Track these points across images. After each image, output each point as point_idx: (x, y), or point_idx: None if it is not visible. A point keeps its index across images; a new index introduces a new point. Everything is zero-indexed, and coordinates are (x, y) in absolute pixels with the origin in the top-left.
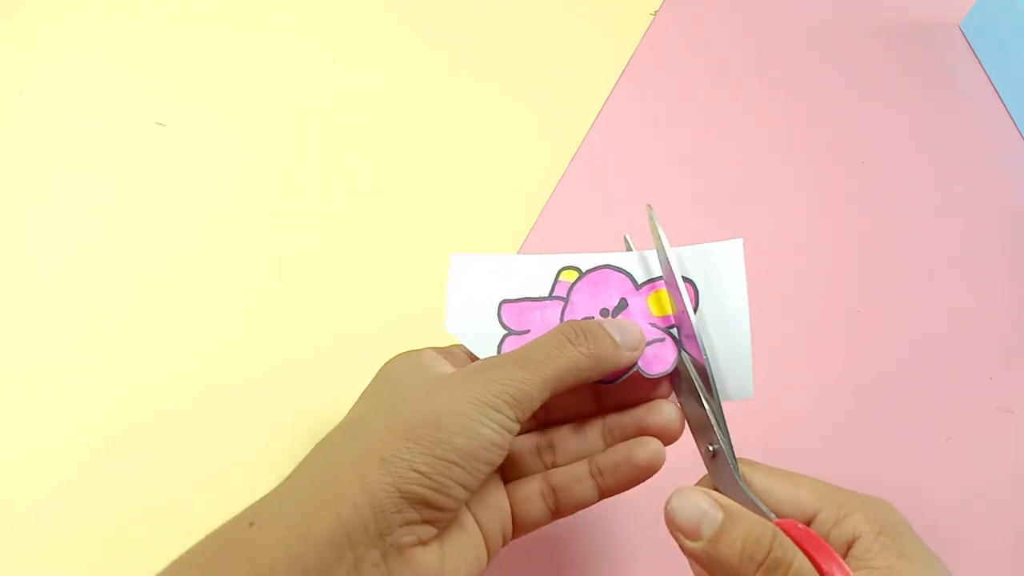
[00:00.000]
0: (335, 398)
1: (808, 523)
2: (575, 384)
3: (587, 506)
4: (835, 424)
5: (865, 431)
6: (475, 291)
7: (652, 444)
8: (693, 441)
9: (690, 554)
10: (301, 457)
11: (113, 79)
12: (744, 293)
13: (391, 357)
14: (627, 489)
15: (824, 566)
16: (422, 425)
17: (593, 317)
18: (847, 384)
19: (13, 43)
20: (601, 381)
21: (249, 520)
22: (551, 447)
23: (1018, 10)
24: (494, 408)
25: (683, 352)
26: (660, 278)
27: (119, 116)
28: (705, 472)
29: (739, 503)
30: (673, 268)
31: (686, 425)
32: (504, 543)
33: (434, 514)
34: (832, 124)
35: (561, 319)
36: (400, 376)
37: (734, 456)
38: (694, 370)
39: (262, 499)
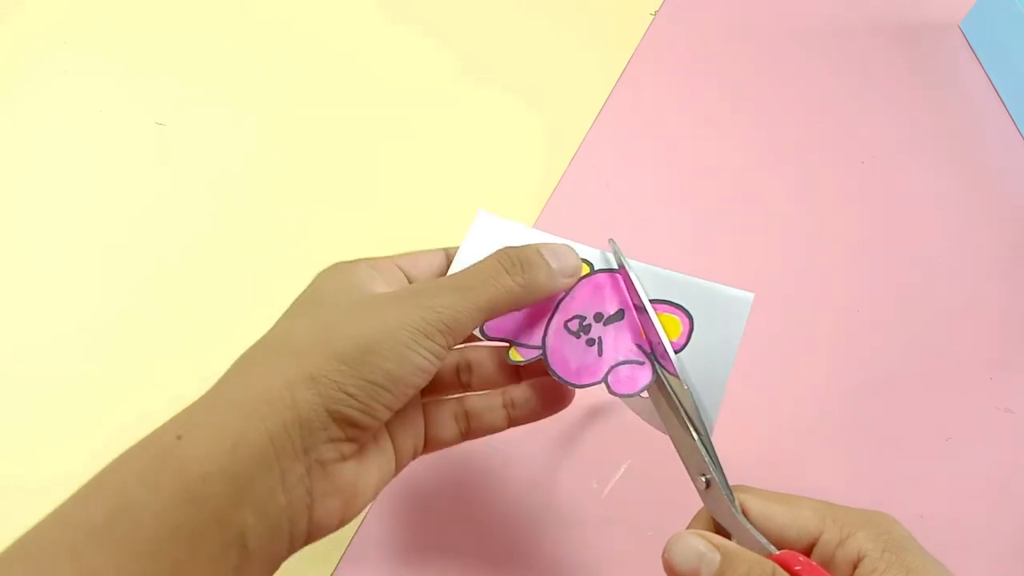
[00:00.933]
0: None
1: (812, 545)
2: (508, 311)
3: (496, 432)
4: (835, 424)
5: (865, 431)
6: (488, 249)
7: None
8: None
9: None
10: None
11: (113, 79)
12: (736, 346)
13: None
14: (535, 420)
15: None
16: (354, 348)
17: (586, 318)
18: (847, 384)
19: (13, 43)
20: (559, 376)
21: (177, 432)
22: (469, 367)
23: (1018, 10)
24: (427, 335)
25: (666, 380)
26: (665, 301)
27: (119, 116)
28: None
29: (737, 534)
30: (678, 299)
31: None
32: (414, 457)
33: (357, 432)
34: (832, 124)
35: (556, 308)
36: (333, 292)
37: (728, 486)
38: (676, 398)
39: (188, 409)
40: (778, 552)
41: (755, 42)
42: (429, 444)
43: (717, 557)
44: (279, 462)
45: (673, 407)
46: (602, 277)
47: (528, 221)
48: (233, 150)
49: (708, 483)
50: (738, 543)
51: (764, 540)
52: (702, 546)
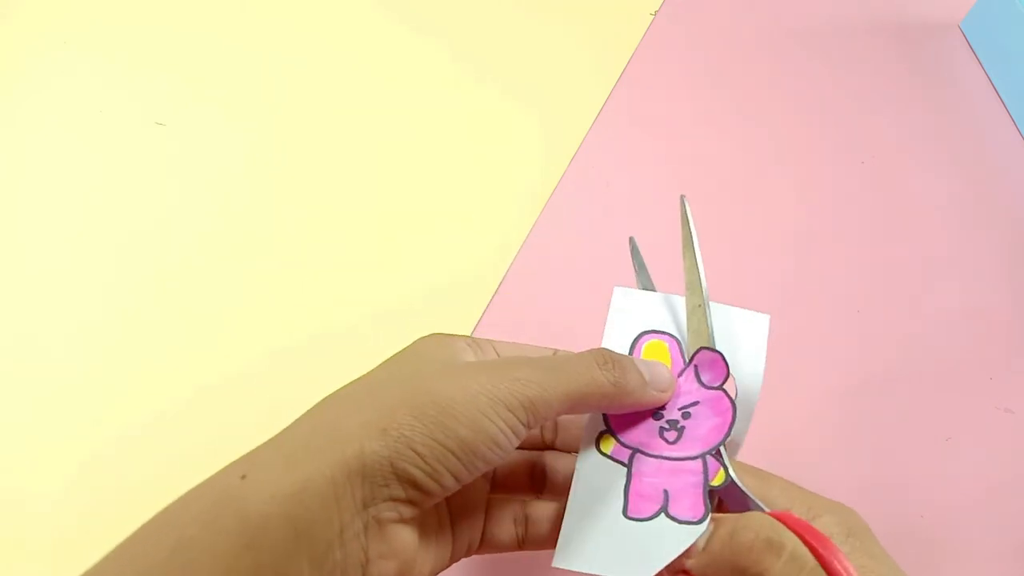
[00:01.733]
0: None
1: None
2: (595, 408)
3: (552, 547)
4: (835, 424)
5: (865, 431)
6: (633, 327)
7: None
8: None
9: (692, 571)
10: None
11: (113, 79)
12: (761, 372)
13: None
14: None
15: (825, 555)
16: (431, 405)
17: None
18: (847, 384)
19: (13, 43)
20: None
21: (242, 472)
22: (544, 472)
23: (1018, 10)
24: (507, 407)
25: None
26: (709, 349)
27: (119, 116)
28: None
29: (733, 498)
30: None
31: None
32: (467, 553)
33: (419, 496)
34: (832, 124)
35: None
36: (425, 353)
37: (724, 454)
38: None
39: (256, 449)
40: (771, 511)
41: (755, 42)
42: (484, 542)
43: (711, 525)
44: (339, 514)
45: None
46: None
47: (528, 221)
48: (233, 150)
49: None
50: (730, 505)
51: (760, 502)
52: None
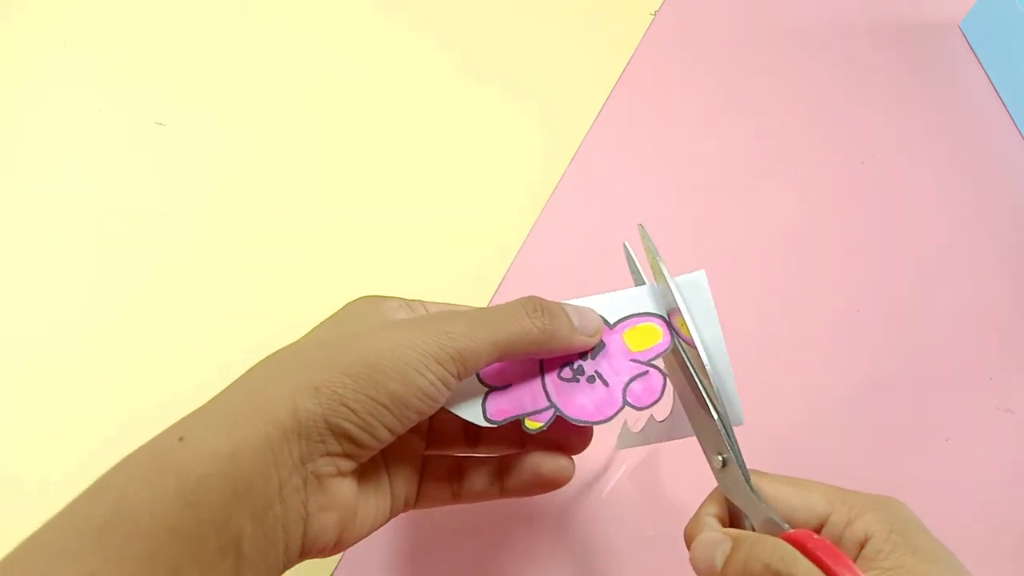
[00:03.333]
0: None
1: (820, 527)
2: (525, 354)
3: (486, 499)
4: (835, 424)
5: (865, 431)
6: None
7: (562, 459)
8: (704, 454)
9: None
10: None
11: (113, 79)
12: (716, 323)
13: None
14: (526, 495)
15: (836, 569)
16: (361, 363)
17: (573, 361)
18: (847, 384)
19: (13, 43)
20: (582, 420)
21: (179, 434)
22: (478, 428)
23: (1018, 10)
24: (436, 360)
25: (682, 349)
26: (633, 315)
27: (119, 116)
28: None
29: (751, 513)
30: (676, 298)
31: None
32: (404, 508)
33: (355, 450)
34: (832, 124)
35: (542, 369)
36: (355, 314)
37: (744, 465)
38: (698, 379)
39: (193, 413)
40: (791, 530)
41: (755, 42)
42: (421, 497)
43: (729, 545)
44: (277, 470)
45: (692, 385)
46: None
47: (528, 221)
48: (233, 150)
49: (724, 462)
50: (752, 522)
51: (778, 518)
52: (717, 536)
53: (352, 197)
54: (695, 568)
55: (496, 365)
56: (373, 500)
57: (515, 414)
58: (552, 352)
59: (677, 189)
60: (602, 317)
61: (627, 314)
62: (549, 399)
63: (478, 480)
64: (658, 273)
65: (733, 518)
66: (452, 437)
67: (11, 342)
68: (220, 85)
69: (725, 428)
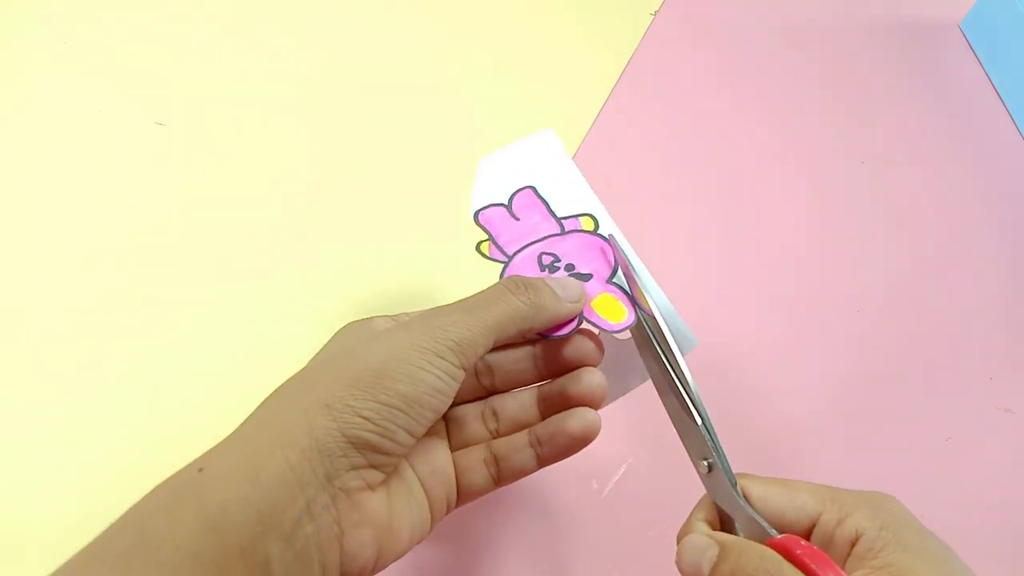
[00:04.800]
0: None
1: (811, 526)
2: (518, 333)
3: (527, 474)
4: (835, 424)
5: (865, 431)
6: (528, 161)
7: (586, 414)
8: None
9: None
10: None
11: (113, 79)
12: (586, 187)
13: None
14: (564, 458)
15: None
16: (366, 372)
17: (560, 261)
18: (847, 384)
19: (13, 43)
20: (548, 335)
21: (199, 466)
22: (495, 414)
23: (1018, 10)
24: (437, 354)
25: (644, 321)
26: (579, 215)
27: (119, 116)
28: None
29: (739, 518)
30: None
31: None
32: (448, 510)
33: (380, 458)
34: (832, 124)
35: (543, 239)
36: (347, 335)
37: (730, 470)
38: (652, 333)
39: (212, 448)
40: (779, 536)
41: (755, 42)
42: (462, 494)
43: (715, 551)
44: (303, 491)
45: (672, 388)
46: (597, 240)
47: None
48: (233, 150)
49: (710, 467)
50: (740, 527)
51: (765, 523)
52: (703, 542)
53: (352, 197)
54: (681, 570)
55: (529, 198)
56: (408, 510)
57: (490, 231)
58: (544, 324)
59: (677, 189)
60: (614, 266)
61: (572, 213)
62: (514, 254)
63: (515, 459)
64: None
65: (724, 523)
66: (474, 432)
67: (7, 343)
68: (221, 84)
69: (709, 433)
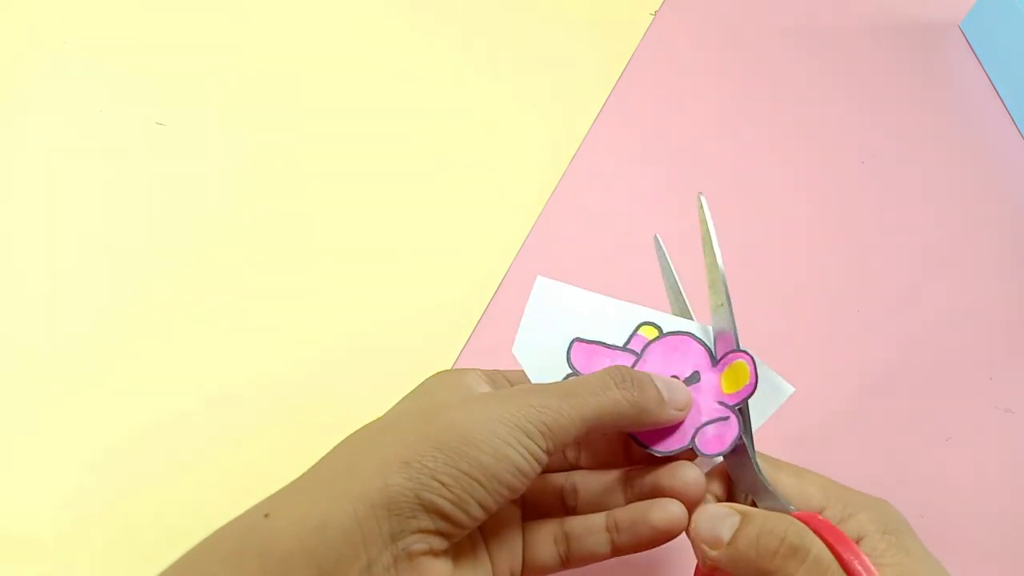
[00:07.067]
0: (333, 400)
1: None
2: (614, 429)
3: (599, 560)
4: (835, 424)
5: (865, 431)
6: (551, 321)
7: (673, 506)
8: None
9: (714, 563)
10: (310, 458)
11: (113, 79)
12: (761, 422)
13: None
14: (642, 550)
15: (845, 556)
16: (451, 436)
17: None
18: (847, 384)
19: (13, 43)
20: (645, 445)
21: (265, 511)
22: (575, 491)
23: (1018, 10)
24: (526, 433)
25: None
26: (737, 350)
27: (119, 116)
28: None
29: (757, 496)
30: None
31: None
32: None
33: (448, 527)
34: (832, 124)
35: None
36: (438, 388)
37: (754, 448)
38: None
39: (280, 491)
40: (797, 511)
41: (755, 42)
42: (527, 568)
43: (737, 519)
44: (365, 548)
45: None
46: (669, 340)
47: (528, 222)
48: (234, 150)
49: (734, 447)
50: (757, 502)
51: (784, 500)
52: (723, 511)
53: (352, 197)
54: (695, 539)
55: (586, 349)
56: None
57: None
58: (642, 425)
59: (677, 189)
60: (709, 349)
61: (732, 349)
62: None
63: (589, 541)
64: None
65: (732, 499)
66: (550, 506)
67: (6, 343)
68: (220, 85)
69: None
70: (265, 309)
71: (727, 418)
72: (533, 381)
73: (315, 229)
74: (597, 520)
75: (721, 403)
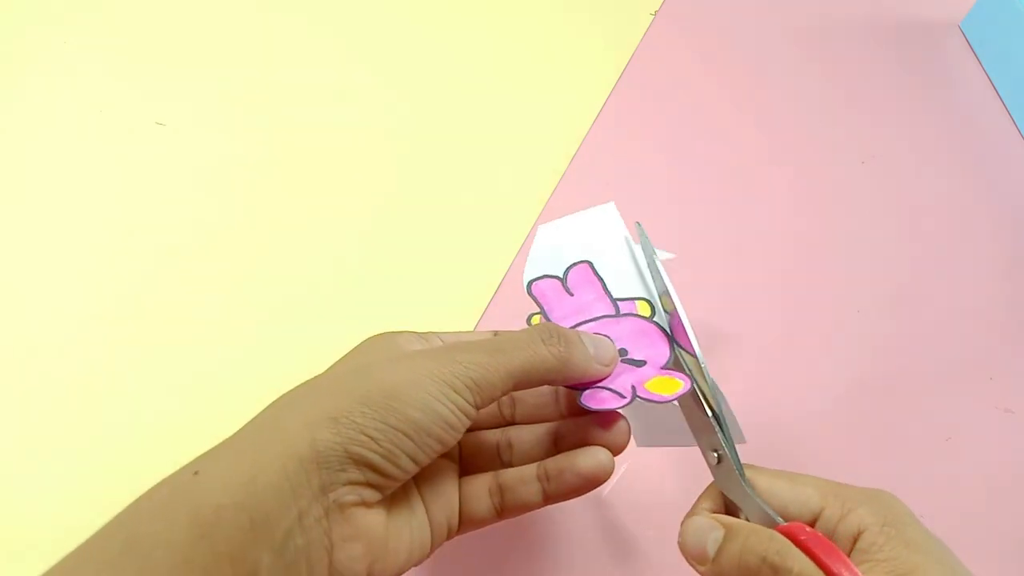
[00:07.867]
0: None
1: (814, 521)
2: (540, 382)
3: (531, 509)
4: (835, 424)
5: (865, 431)
6: (559, 257)
7: (599, 454)
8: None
9: None
10: None
11: (113, 79)
12: (647, 271)
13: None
14: (571, 497)
15: (833, 569)
16: (380, 392)
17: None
18: (847, 384)
19: (12, 43)
20: (575, 387)
21: (194, 469)
22: (510, 446)
23: (1018, 10)
24: (454, 388)
25: (682, 358)
26: (685, 375)
27: (119, 116)
28: (711, 480)
29: (746, 508)
30: (674, 300)
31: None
32: (448, 535)
33: (379, 479)
34: (832, 124)
35: (591, 323)
36: (371, 349)
37: (739, 460)
38: (698, 391)
39: (209, 450)
40: (784, 523)
41: (755, 42)
42: (464, 521)
43: (721, 533)
44: (296, 501)
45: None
46: (651, 328)
47: (528, 221)
48: (233, 150)
49: (720, 458)
50: (747, 516)
51: (772, 512)
52: (707, 524)
53: (352, 197)
54: (684, 551)
55: (584, 274)
56: (407, 530)
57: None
58: (567, 380)
59: (677, 189)
60: (674, 347)
61: (628, 296)
62: None
63: (521, 491)
64: (654, 270)
65: (728, 513)
66: (487, 460)
67: (5, 343)
68: (220, 85)
69: (719, 423)
70: (266, 308)
71: (624, 397)
72: (528, 264)
73: (315, 229)
74: (529, 471)
75: (633, 387)
